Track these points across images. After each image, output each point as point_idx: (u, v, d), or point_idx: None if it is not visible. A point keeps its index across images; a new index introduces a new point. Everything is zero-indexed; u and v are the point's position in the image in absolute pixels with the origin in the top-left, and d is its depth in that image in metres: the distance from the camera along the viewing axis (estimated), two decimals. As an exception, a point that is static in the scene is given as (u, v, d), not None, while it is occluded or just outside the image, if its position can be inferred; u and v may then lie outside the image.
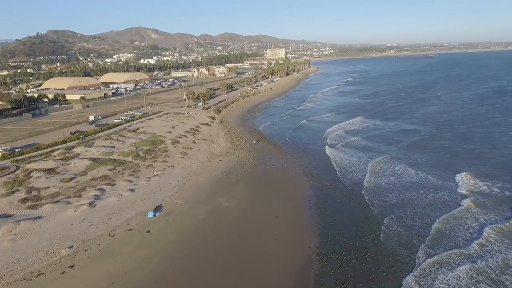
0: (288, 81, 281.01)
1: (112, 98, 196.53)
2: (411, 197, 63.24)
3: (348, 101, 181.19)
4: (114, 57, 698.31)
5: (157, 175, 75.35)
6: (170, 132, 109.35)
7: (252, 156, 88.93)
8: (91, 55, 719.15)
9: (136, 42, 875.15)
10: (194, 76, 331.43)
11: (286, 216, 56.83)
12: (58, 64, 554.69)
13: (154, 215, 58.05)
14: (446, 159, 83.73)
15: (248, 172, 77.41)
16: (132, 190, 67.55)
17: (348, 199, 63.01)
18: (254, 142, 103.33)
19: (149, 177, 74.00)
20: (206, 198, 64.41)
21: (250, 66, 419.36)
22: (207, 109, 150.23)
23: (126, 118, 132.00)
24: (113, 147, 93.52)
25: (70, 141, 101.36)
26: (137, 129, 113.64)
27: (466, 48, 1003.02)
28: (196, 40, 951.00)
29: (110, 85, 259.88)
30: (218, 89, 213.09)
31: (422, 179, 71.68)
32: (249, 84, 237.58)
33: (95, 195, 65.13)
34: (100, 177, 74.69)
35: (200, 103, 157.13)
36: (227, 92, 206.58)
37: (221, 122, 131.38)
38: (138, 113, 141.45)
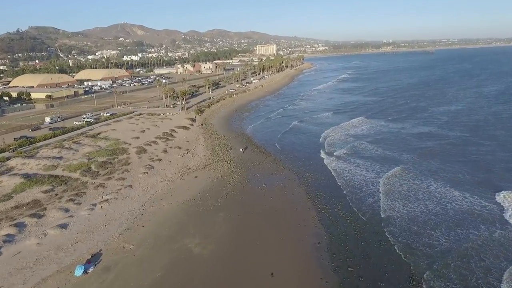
0: (281, 78, 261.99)
1: (82, 97, 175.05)
2: (452, 236, 44.63)
3: (349, 100, 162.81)
4: (97, 54, 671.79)
5: (107, 200, 55.40)
6: (138, 137, 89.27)
7: (238, 170, 69.56)
8: (73, 52, 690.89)
9: (120, 39, 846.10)
10: (179, 73, 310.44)
11: (286, 274, 37.65)
12: (37, 61, 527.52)
13: (84, 272, 38.31)
14: (476, 172, 65.66)
15: (232, 195, 57.99)
16: (64, 226, 47.59)
17: (371, 241, 44.01)
18: (241, 150, 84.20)
19: (95, 204, 54.01)
20: (169, 239, 44.85)
21: (239, 63, 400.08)
22: (187, 109, 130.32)
23: (89, 120, 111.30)
24: (61, 158, 73.27)
25: (10, 150, 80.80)
26: (98, 134, 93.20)
27: (466, 44, 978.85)
28: (183, 36, 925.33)
29: (86, 83, 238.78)
30: (203, 86, 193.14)
31: (454, 202, 53.39)
32: (237, 81, 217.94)
33: (6, 235, 45.03)
34: (27, 203, 54.53)
35: (180, 102, 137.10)
36: (213, 90, 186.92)
37: (202, 124, 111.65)
38: (105, 114, 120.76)
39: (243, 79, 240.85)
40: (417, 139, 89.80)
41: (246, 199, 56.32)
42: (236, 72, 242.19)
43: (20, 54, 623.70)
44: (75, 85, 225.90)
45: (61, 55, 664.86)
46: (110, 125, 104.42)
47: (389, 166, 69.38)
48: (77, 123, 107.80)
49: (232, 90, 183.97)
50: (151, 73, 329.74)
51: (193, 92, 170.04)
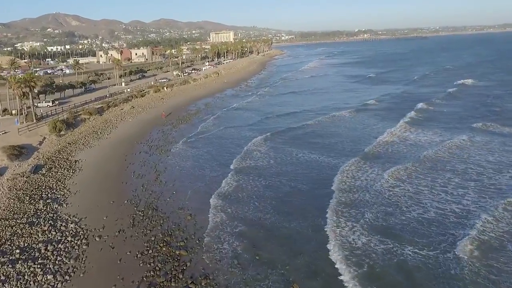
0: (246, 64, 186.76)
1: None
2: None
3: (390, 92, 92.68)
4: (16, 45, 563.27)
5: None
6: None
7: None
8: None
9: (48, 30, 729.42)
10: (101, 62, 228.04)
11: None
12: None
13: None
14: None
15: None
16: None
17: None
18: None
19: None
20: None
21: (188, 52, 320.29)
22: (37, 120, 54.14)
23: None
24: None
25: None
26: None
27: (454, 31, 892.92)
28: (124, 27, 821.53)
29: None
30: (122, 76, 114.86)
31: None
32: (177, 68, 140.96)
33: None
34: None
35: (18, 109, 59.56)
36: (132, 81, 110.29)
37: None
38: None
39: (188, 66, 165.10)
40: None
41: None
42: (173, 54, 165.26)
43: None
44: None
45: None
46: None
47: None
48: None
49: (164, 81, 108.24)
50: (64, 63, 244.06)
51: (84, 86, 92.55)
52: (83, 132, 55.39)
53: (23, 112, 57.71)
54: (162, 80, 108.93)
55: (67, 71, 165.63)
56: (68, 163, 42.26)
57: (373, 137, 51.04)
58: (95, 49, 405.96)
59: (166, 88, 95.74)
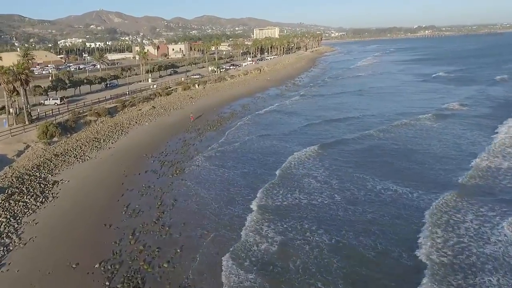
0: (294, 60, 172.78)
1: None
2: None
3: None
4: (60, 42, 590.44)
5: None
6: None
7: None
8: (31, 40, 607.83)
9: (91, 26, 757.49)
10: (137, 58, 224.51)
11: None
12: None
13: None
14: None
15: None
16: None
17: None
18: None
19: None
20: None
21: (229, 48, 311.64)
22: (31, 122, 44.69)
23: None
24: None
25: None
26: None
27: None
28: (166, 23, 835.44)
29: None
30: (150, 71, 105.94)
31: None
32: (213, 63, 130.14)
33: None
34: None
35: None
36: (156, 78, 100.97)
37: None
38: None
39: (227, 62, 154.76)
40: None
41: None
42: (209, 49, 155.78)
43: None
44: None
45: (16, 43, 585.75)
46: None
47: None
48: None
49: (197, 77, 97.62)
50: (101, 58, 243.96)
51: (106, 83, 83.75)
52: (82, 139, 44.92)
53: (15, 112, 48.48)
54: (195, 76, 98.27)
55: (99, 66, 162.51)
56: (42, 186, 31.49)
57: (467, 156, 36.69)
58: (134, 45, 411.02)
59: (198, 85, 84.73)
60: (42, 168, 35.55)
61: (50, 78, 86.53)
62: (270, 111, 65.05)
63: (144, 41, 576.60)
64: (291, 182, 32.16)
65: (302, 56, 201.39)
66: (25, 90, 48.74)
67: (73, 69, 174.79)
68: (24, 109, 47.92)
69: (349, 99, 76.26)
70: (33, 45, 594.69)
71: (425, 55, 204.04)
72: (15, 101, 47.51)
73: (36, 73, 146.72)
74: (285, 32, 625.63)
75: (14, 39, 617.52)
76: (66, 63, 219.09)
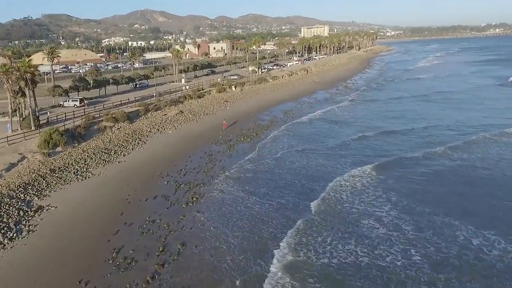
0: (346, 60, 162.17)
1: None
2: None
3: None
4: (104, 41, 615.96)
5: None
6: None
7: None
8: (76, 39, 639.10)
9: (136, 26, 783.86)
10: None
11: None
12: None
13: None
14: None
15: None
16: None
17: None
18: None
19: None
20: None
21: (275, 47, 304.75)
22: (37, 127, 40.19)
23: None
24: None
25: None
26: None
27: None
28: (210, 23, 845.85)
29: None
30: (185, 71, 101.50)
31: None
32: (253, 63, 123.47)
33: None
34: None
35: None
36: (191, 78, 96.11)
37: None
38: None
39: (271, 61, 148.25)
40: None
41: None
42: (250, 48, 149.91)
43: (16, 42, 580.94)
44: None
45: (62, 42, 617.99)
46: None
47: None
48: None
49: (235, 78, 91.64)
50: (139, 57, 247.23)
51: (135, 83, 79.58)
52: (90, 149, 39.60)
53: (20, 115, 44.35)
54: (233, 77, 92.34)
55: (136, 65, 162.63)
56: (21, 215, 25.81)
57: None
58: (174, 44, 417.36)
59: (235, 87, 78.45)
60: (30, 187, 30.13)
61: (79, 76, 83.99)
62: (316, 118, 57.38)
63: (186, 40, 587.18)
64: (341, 223, 24.51)
65: (354, 56, 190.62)
66: (32, 90, 44.48)
67: (110, 68, 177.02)
68: (30, 112, 43.58)
69: (410, 105, 66.88)
70: (78, 44, 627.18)
71: (498, 55, 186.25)
72: (20, 103, 43.29)
73: (63, 71, 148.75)
74: (335, 31, 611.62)
75: (61, 38, 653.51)
76: (105, 61, 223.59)
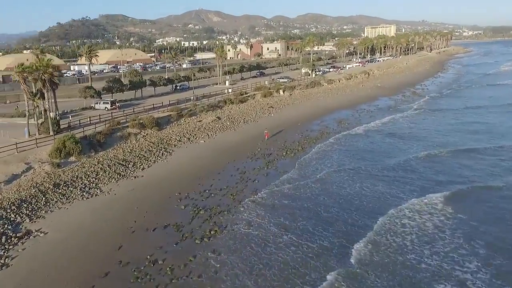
0: (415, 62, 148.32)
1: None
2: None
3: None
4: (157, 41, 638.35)
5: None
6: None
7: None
8: (131, 39, 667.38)
9: (190, 26, 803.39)
10: (228, 57, 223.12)
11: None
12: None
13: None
14: None
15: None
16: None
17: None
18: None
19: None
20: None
21: (334, 48, 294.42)
22: (56, 132, 37.43)
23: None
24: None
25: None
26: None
27: None
28: (266, 22, 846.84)
29: (72, 67, 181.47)
30: (231, 72, 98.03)
31: None
32: (307, 65, 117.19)
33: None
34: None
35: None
36: (237, 80, 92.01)
37: None
38: None
39: (328, 63, 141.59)
40: None
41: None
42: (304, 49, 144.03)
43: (74, 41, 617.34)
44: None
45: (118, 42, 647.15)
46: None
47: None
48: None
49: (284, 81, 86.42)
50: (191, 58, 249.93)
51: (175, 85, 76.55)
52: (107, 160, 36.02)
53: (39, 119, 41.96)
54: (282, 80, 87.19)
55: (184, 66, 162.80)
56: (3, 242, 22.33)
57: None
58: (226, 44, 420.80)
59: (283, 91, 73.16)
60: (26, 205, 26.71)
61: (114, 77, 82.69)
62: (375, 130, 50.69)
63: (241, 40, 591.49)
64: (407, 282, 18.43)
65: (425, 58, 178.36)
66: (53, 92, 42.00)
67: (158, 68, 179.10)
68: (49, 116, 41.01)
69: (492, 117, 58.01)
70: (132, 43, 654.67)
71: None
72: (37, 106, 40.79)
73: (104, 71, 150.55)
74: (402, 31, 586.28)
75: (116, 37, 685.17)
76: (155, 61, 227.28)
